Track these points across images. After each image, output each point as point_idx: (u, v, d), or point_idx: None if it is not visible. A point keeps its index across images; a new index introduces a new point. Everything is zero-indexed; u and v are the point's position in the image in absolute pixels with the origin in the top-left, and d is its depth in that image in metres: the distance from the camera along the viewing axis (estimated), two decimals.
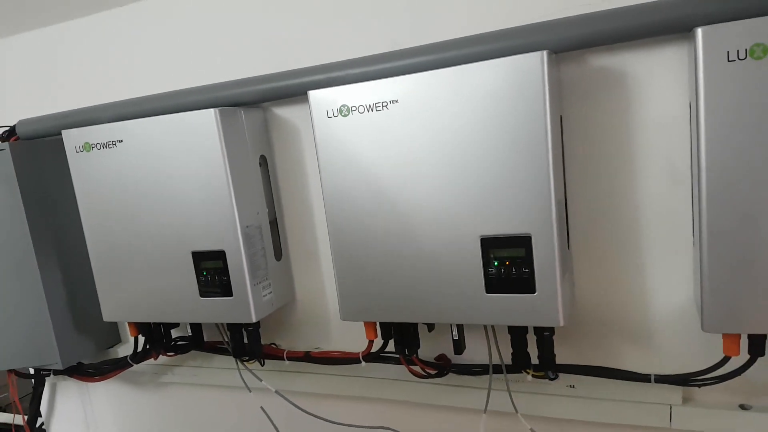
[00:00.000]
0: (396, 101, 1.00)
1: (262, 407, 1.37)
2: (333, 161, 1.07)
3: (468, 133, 0.97)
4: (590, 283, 1.10)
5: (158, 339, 1.42)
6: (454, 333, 1.13)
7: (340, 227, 1.09)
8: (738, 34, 0.79)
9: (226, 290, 1.22)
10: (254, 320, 1.22)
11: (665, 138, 0.98)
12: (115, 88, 1.41)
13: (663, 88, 0.96)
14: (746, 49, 0.78)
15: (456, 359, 1.22)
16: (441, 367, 1.21)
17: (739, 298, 0.87)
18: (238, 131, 1.21)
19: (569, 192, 1.06)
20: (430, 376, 1.20)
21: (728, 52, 0.79)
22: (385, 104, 1.01)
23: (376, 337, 1.18)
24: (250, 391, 1.38)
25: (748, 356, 0.94)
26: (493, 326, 1.13)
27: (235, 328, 1.33)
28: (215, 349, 1.46)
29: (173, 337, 1.46)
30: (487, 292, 1.01)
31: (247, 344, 1.33)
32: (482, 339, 1.14)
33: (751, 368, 0.95)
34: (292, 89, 1.17)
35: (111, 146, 1.24)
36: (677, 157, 0.97)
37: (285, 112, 1.27)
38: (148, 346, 1.44)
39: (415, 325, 1.17)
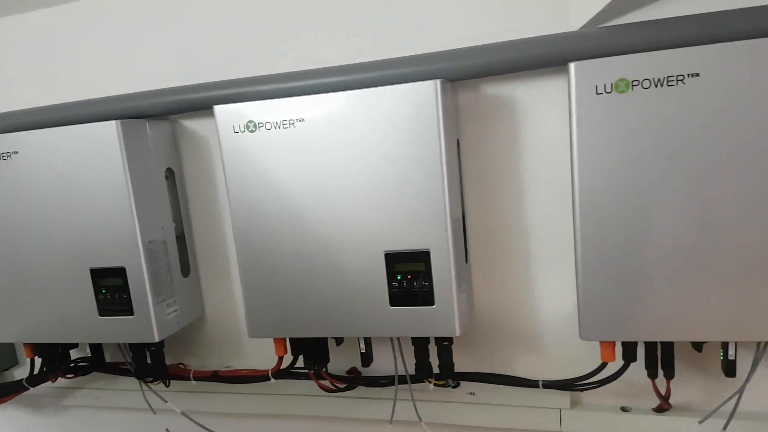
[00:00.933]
0: (302, 119, 1.03)
1: (167, 429, 1.34)
2: (240, 176, 1.07)
3: (371, 153, 1.01)
4: (487, 294, 1.17)
5: (56, 360, 1.36)
6: (361, 346, 1.17)
7: (247, 242, 1.10)
8: (605, 69, 0.88)
9: (126, 308, 1.18)
10: (157, 339, 1.19)
11: (550, 159, 1.06)
12: (11, 97, 1.34)
13: (547, 114, 1.05)
14: (612, 84, 0.88)
15: (365, 371, 1.25)
16: (350, 380, 1.23)
17: (612, 308, 0.95)
18: (143, 144, 1.19)
19: (467, 209, 1.13)
20: (339, 390, 1.22)
21: (596, 86, 0.88)
22: (291, 122, 1.04)
23: (285, 353, 1.19)
24: (155, 413, 1.34)
25: (623, 362, 1.03)
26: (398, 338, 1.17)
27: (137, 348, 1.29)
28: (118, 369, 1.40)
29: (73, 358, 1.40)
30: (391, 305, 1.05)
31: (151, 364, 1.30)
32: (389, 351, 1.17)
33: (627, 372, 1.04)
34: (200, 103, 1.17)
35: (5, 158, 1.18)
36: (560, 177, 1.06)
37: (194, 125, 1.27)
38: (45, 369, 1.37)
39: (324, 340, 1.19)
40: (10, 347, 1.55)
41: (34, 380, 1.39)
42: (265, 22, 1.18)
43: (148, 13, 1.25)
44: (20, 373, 1.51)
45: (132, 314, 1.18)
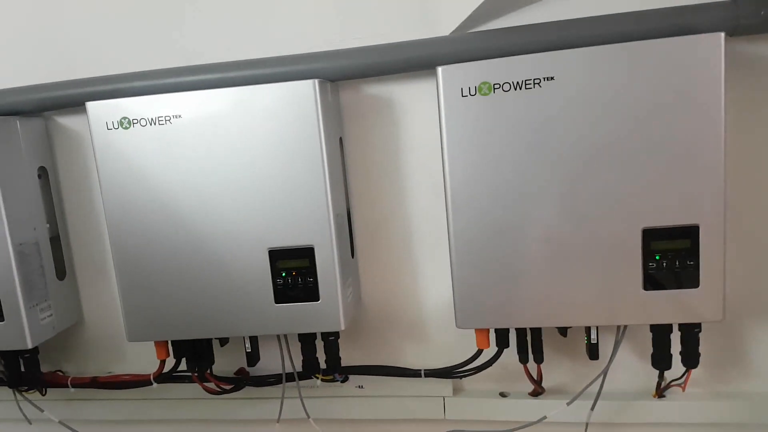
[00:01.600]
0: (179, 116, 1.01)
1: None
2: (114, 174, 1.04)
3: (252, 150, 1.01)
4: (374, 287, 1.20)
5: None
6: (247, 345, 1.16)
7: (123, 243, 1.06)
8: (469, 73, 0.93)
9: None
10: (30, 346, 1.13)
11: (427, 157, 1.10)
12: None
13: (423, 114, 1.09)
14: (476, 87, 0.93)
15: (252, 371, 1.24)
16: (237, 380, 1.22)
17: (484, 298, 1.00)
18: (12, 141, 1.12)
19: (353, 205, 1.15)
20: (225, 391, 1.21)
21: (462, 89, 0.93)
22: (168, 118, 1.02)
23: (167, 356, 1.16)
24: (31, 424, 1.27)
25: (497, 348, 1.09)
26: (285, 335, 1.17)
27: (10, 356, 1.22)
28: None
29: None
30: (276, 302, 1.05)
31: (25, 372, 1.23)
32: (276, 349, 1.17)
33: (502, 358, 1.10)
34: (73, 99, 1.12)
35: None
36: (437, 174, 1.10)
37: (69, 122, 1.21)
38: None
39: (208, 341, 1.17)
40: None
41: None
42: (143, 17, 1.14)
43: (20, 6, 1.18)
44: None
45: (2, 320, 1.12)
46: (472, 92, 0.93)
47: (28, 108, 1.16)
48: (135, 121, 1.02)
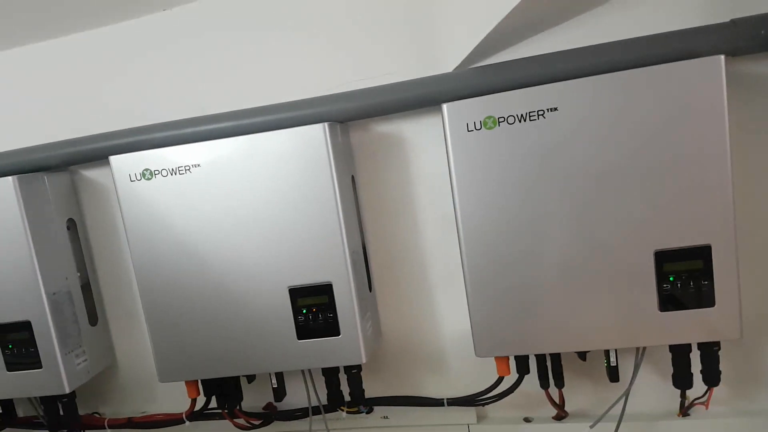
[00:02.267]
0: (198, 165, 1.06)
1: None
2: (139, 223, 1.09)
3: (268, 193, 1.05)
4: (393, 320, 1.22)
5: None
6: (273, 381, 1.19)
7: (150, 288, 1.11)
8: (473, 109, 0.96)
9: (34, 362, 1.17)
10: (67, 391, 1.18)
11: (437, 191, 1.13)
12: None
13: (431, 150, 1.12)
14: (480, 121, 0.95)
15: (279, 405, 1.27)
16: (265, 416, 1.25)
17: (501, 325, 1.02)
18: (41, 197, 1.19)
19: (368, 241, 1.18)
20: (254, 426, 1.24)
21: (467, 124, 0.96)
22: (187, 168, 1.06)
23: (198, 395, 1.19)
24: None
25: (517, 375, 1.10)
26: (309, 370, 1.20)
27: (49, 401, 1.27)
28: (31, 424, 1.37)
29: None
30: (299, 338, 1.09)
31: (64, 416, 1.27)
32: (301, 383, 1.20)
33: (523, 384, 1.11)
34: (96, 153, 1.18)
35: None
36: (447, 206, 1.13)
37: (94, 175, 1.27)
38: None
39: (236, 378, 1.21)
40: None
41: None
42: (158, 71, 1.20)
43: (41, 64, 1.25)
44: None
45: (41, 367, 1.17)
46: (477, 127, 0.95)
47: (54, 163, 1.22)
48: (156, 172, 1.07)
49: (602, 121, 0.93)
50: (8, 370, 1.18)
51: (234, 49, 1.17)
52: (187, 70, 1.19)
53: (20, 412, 1.38)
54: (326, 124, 1.02)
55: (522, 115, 0.95)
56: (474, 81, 1.01)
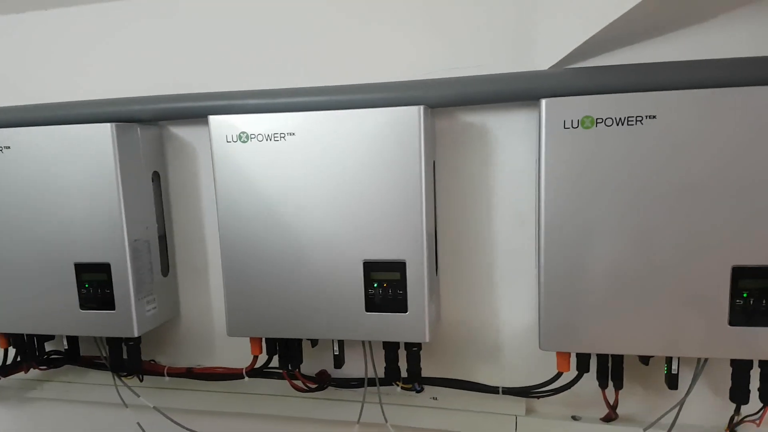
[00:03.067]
0: (293, 134, 1.10)
1: (138, 423, 1.37)
2: (229, 183, 1.13)
3: (355, 168, 1.08)
4: (453, 306, 1.25)
5: (31, 351, 1.37)
6: (335, 348, 1.23)
7: (232, 246, 1.15)
8: (573, 107, 0.98)
9: (108, 303, 1.22)
10: (136, 335, 1.23)
11: (516, 186, 1.16)
12: (5, 93, 1.36)
13: (515, 145, 1.15)
14: (579, 120, 0.98)
15: (335, 373, 1.31)
16: (322, 381, 1.29)
17: (569, 322, 1.04)
18: (133, 147, 1.23)
19: (439, 226, 1.21)
20: (310, 390, 1.28)
21: (564, 121, 0.98)
22: (283, 135, 1.10)
23: (260, 353, 1.24)
24: (127, 407, 1.37)
25: (576, 372, 1.13)
26: (370, 342, 1.23)
27: (114, 343, 1.33)
28: (91, 364, 1.43)
29: (47, 350, 1.42)
30: (367, 310, 1.12)
31: (126, 359, 1.33)
32: (360, 354, 1.24)
33: (579, 383, 1.13)
34: (192, 111, 1.22)
35: None
36: (524, 203, 1.16)
37: (181, 132, 1.32)
38: (19, 359, 1.38)
39: (299, 341, 1.25)
40: None
41: (6, 370, 1.40)
42: (260, 37, 1.24)
43: (148, 19, 1.29)
44: None
45: (114, 309, 1.22)
46: (575, 125, 0.98)
47: (148, 116, 1.26)
48: (253, 136, 1.11)
49: (699, 134, 0.95)
50: (81, 308, 1.24)
51: (331, 22, 1.20)
52: (290, 40, 1.23)
53: (82, 351, 1.44)
54: (422, 107, 1.05)
55: (621, 118, 0.97)
56: (572, 81, 1.03)
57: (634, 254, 1.00)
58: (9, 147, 1.20)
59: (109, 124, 1.17)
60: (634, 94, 0.97)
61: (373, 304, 1.12)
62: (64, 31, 1.34)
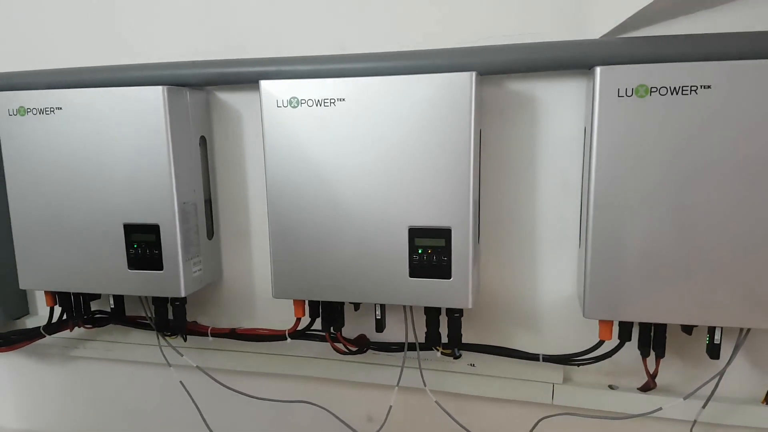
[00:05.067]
0: (343, 99, 1.11)
1: (181, 382, 1.41)
2: (278, 147, 1.15)
3: (404, 135, 1.09)
4: (493, 274, 1.27)
5: (77, 310, 1.41)
6: (377, 313, 1.25)
7: (279, 209, 1.17)
8: (628, 75, 0.98)
9: (156, 264, 1.25)
10: (183, 294, 1.27)
11: (562, 156, 1.17)
12: (58, 55, 1.38)
13: (563, 114, 1.15)
14: (633, 89, 0.97)
15: (374, 338, 1.34)
16: (362, 344, 1.32)
17: (615, 291, 1.05)
18: (183, 110, 1.25)
19: (482, 193, 1.22)
20: (351, 352, 1.31)
21: (619, 89, 0.98)
22: (333, 101, 1.11)
23: (303, 315, 1.27)
24: (170, 366, 1.41)
25: (618, 341, 1.14)
26: (411, 307, 1.26)
27: (160, 303, 1.36)
28: (135, 323, 1.46)
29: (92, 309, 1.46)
30: (411, 276, 1.14)
31: (171, 319, 1.37)
32: (400, 320, 1.27)
33: (620, 352, 1.14)
34: (241, 77, 1.24)
35: (48, 112, 1.23)
36: (570, 172, 1.17)
37: (228, 98, 1.33)
38: (65, 317, 1.43)
39: (342, 305, 1.27)
40: (23, 296, 1.60)
41: (51, 328, 1.45)
42: (311, 3, 1.24)
43: None
44: (32, 322, 1.56)
45: (161, 269, 1.25)
46: (629, 93, 0.98)
47: (197, 81, 1.28)
48: (303, 102, 1.12)
49: (754, 105, 0.94)
50: (129, 268, 1.27)
51: None
52: (342, 4, 1.23)
53: (127, 311, 1.47)
54: (474, 73, 1.05)
55: (675, 88, 0.96)
56: (626, 50, 1.02)
57: (684, 225, 1.00)
58: (61, 108, 1.22)
59: (160, 87, 1.19)
60: (690, 63, 0.96)
61: (417, 269, 1.14)
62: None
